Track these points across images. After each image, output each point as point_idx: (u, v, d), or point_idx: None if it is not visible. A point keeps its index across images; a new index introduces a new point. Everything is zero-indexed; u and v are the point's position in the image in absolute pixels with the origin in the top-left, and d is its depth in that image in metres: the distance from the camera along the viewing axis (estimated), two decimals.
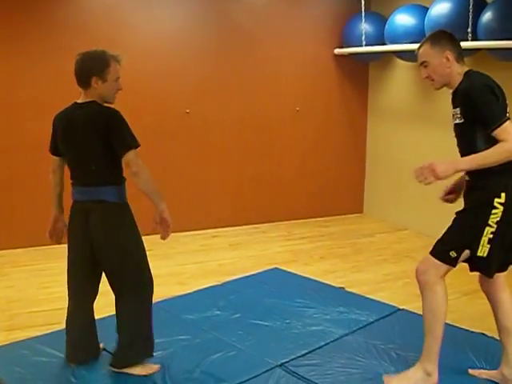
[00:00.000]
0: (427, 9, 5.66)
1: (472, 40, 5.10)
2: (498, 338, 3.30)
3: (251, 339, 3.85)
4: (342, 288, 4.84)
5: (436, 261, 3.06)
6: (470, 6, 5.07)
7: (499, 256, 3.01)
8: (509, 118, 2.86)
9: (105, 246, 3.26)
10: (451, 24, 5.08)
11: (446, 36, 3.08)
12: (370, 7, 6.88)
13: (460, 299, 4.52)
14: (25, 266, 5.43)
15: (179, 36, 6.30)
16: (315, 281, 4.99)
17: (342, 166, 7.29)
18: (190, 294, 4.68)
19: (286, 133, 6.93)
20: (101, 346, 3.61)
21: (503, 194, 2.91)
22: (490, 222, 2.93)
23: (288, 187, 7.03)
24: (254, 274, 5.15)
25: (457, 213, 3.10)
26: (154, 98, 6.15)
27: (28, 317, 4.33)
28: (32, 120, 5.77)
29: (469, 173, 3.07)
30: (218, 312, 4.31)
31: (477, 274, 3.17)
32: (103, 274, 3.39)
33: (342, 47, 6.90)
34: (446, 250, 3.03)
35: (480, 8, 5.09)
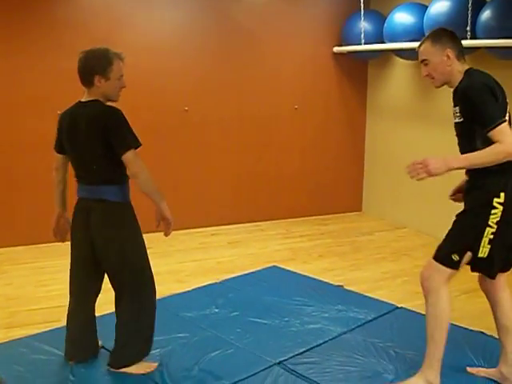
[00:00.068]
0: (426, 7, 5.66)
1: (471, 38, 5.09)
2: (496, 336, 3.31)
3: (249, 337, 3.86)
4: (341, 286, 4.84)
5: (439, 265, 3.04)
6: (469, 5, 5.06)
7: (500, 256, 3.01)
8: (506, 120, 2.85)
9: (104, 245, 3.26)
10: (450, 22, 5.08)
11: (446, 34, 3.07)
12: (369, 5, 6.88)
13: (459, 297, 4.53)
14: (24, 264, 5.43)
15: (179, 34, 6.30)
16: (314, 279, 4.99)
17: (341, 164, 7.29)
18: (188, 291, 4.68)
19: (284, 131, 6.93)
20: (99, 343, 3.61)
21: (502, 194, 2.91)
22: (490, 223, 2.92)
23: (287, 185, 7.04)
24: (252, 272, 5.16)
25: (456, 215, 3.09)
26: (152, 95, 6.15)
27: (27, 314, 4.33)
28: (32, 118, 5.77)
29: (468, 172, 3.06)
30: (217, 310, 4.31)
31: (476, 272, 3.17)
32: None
33: (341, 45, 6.89)
34: (447, 254, 3.02)
35: (479, 6, 5.09)
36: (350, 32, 6.67)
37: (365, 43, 6.43)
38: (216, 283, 4.87)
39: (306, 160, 7.09)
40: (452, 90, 3.07)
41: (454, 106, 3.02)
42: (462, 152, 3.02)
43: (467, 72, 3.02)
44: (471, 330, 3.91)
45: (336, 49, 6.92)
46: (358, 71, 7.18)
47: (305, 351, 3.67)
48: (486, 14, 5.00)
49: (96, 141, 3.15)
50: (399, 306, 4.37)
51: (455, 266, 3.01)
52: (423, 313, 4.18)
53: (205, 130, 6.52)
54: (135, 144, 3.16)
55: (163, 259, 5.42)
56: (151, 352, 3.46)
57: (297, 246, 6.11)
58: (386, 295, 4.65)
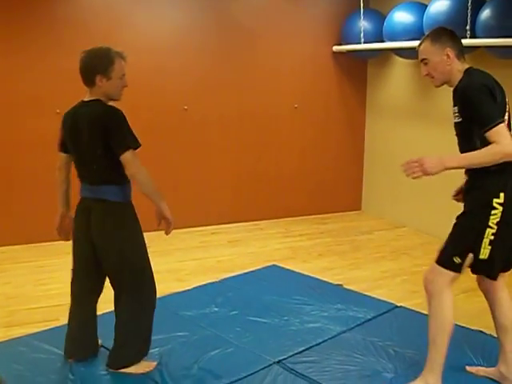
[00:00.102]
0: (426, 6, 5.66)
1: (470, 38, 5.09)
2: (495, 335, 3.31)
3: (249, 336, 3.86)
4: (340, 285, 4.84)
5: (442, 269, 3.02)
6: (469, 4, 5.06)
7: (501, 257, 3.00)
8: (504, 121, 2.84)
9: (104, 245, 3.26)
10: (450, 21, 5.08)
11: (446, 33, 3.05)
12: (368, 4, 6.88)
13: (458, 296, 4.51)
14: (23, 263, 5.43)
15: (178, 33, 6.29)
16: (313, 278, 4.99)
17: (341, 163, 7.29)
18: (188, 290, 4.68)
19: (284, 130, 6.93)
20: (99, 342, 3.61)
21: (502, 194, 2.89)
22: (490, 224, 2.91)
23: (286, 184, 7.04)
24: (252, 271, 5.16)
25: (456, 217, 3.07)
26: (152, 94, 6.14)
27: (26, 313, 4.33)
28: (32, 117, 5.77)
29: (467, 172, 3.06)
30: (216, 309, 4.31)
31: None
32: None
33: (340, 44, 6.89)
34: (449, 257, 3.00)
35: (478, 6, 5.09)
36: (350, 31, 6.67)
37: (364, 42, 6.43)
38: (216, 282, 4.87)
39: (306, 159, 7.09)
40: (452, 89, 3.06)
41: (454, 105, 3.01)
42: (462, 152, 3.01)
43: (467, 71, 3.00)
44: (470, 329, 3.91)
45: (336, 48, 6.92)
46: (358, 70, 7.18)
47: (304, 350, 3.67)
48: (485, 13, 5.01)
49: (96, 141, 3.15)
50: (398, 304, 4.38)
51: (457, 268, 3.00)
52: (422, 312, 4.20)
53: (204, 129, 6.52)
54: (134, 144, 3.15)
55: (163, 258, 5.42)
56: (150, 351, 3.47)
57: (296, 244, 6.11)
58: (385, 294, 4.65)
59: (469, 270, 3.11)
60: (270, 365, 3.47)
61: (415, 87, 6.46)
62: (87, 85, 3.23)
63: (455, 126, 3.04)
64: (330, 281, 4.93)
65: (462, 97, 2.93)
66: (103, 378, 3.35)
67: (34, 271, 5.22)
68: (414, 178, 2.86)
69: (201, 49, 6.36)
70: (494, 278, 3.08)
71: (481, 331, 3.85)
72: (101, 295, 3.51)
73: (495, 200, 2.89)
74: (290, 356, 3.58)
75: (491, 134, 2.80)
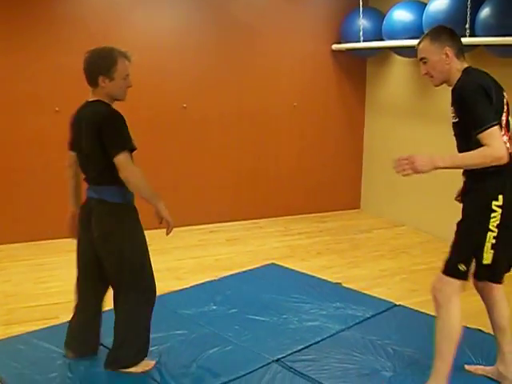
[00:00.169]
0: (425, 5, 5.66)
1: (470, 36, 5.09)
2: (493, 334, 3.31)
3: (248, 334, 3.86)
4: (339, 284, 4.85)
5: (448, 278, 3.00)
6: (468, 2, 5.06)
7: (504, 261, 2.98)
8: (497, 124, 2.80)
9: (104, 245, 3.26)
10: (449, 20, 5.07)
11: (446, 32, 3.03)
12: (367, 3, 6.87)
13: None
14: (22, 261, 5.42)
15: (177, 31, 6.29)
16: (312, 276, 5.00)
17: (340, 162, 7.29)
18: (187, 288, 4.69)
19: (283, 128, 6.93)
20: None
21: (500, 197, 2.87)
22: (490, 227, 2.88)
23: (285, 182, 7.04)
24: (250, 270, 5.16)
25: (457, 224, 3.03)
26: (151, 92, 6.14)
27: (25, 311, 4.33)
28: (31, 115, 5.77)
29: (464, 174, 3.03)
30: (215, 307, 4.32)
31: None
32: None
33: (339, 43, 6.89)
34: (454, 265, 2.98)
35: (478, 4, 5.08)
36: (349, 29, 6.67)
37: (364, 41, 6.43)
38: (214, 280, 4.88)
39: (305, 157, 7.09)
40: (451, 88, 3.05)
41: (451, 105, 2.97)
42: (459, 152, 2.99)
43: (465, 71, 2.97)
44: (469, 328, 3.89)
45: (335, 46, 6.92)
46: (357, 69, 7.17)
47: (303, 348, 3.67)
48: (484, 12, 5.00)
49: (93, 141, 3.14)
50: (397, 303, 4.38)
51: (463, 276, 2.97)
52: (421, 310, 4.22)
53: (203, 127, 6.52)
54: (126, 146, 3.11)
55: (162, 256, 5.42)
56: (149, 349, 3.45)
57: (295, 243, 6.12)
58: (384, 293, 4.66)
59: (477, 280, 3.11)
60: (269, 363, 3.48)
61: (414, 86, 6.46)
62: (90, 85, 3.21)
63: (453, 126, 3.02)
64: (329, 279, 4.94)
65: (457, 97, 2.90)
66: (102, 377, 3.35)
67: (33, 269, 5.22)
68: (403, 175, 2.84)
69: (200, 47, 6.36)
70: (499, 281, 3.05)
71: (479, 330, 3.85)
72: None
73: (494, 203, 2.87)
74: (289, 354, 3.58)
75: (483, 136, 2.77)
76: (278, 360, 3.51)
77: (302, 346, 3.69)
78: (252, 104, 6.69)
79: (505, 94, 3.02)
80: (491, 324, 3.25)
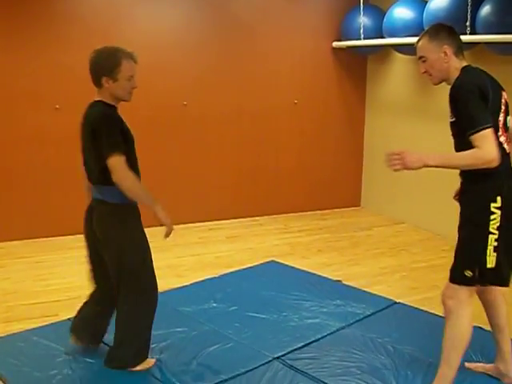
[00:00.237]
0: (426, 2, 5.65)
1: (470, 34, 5.09)
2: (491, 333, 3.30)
3: (248, 332, 3.86)
4: (339, 281, 4.85)
5: (456, 286, 2.96)
6: (469, 0, 5.05)
7: (506, 263, 2.92)
8: (490, 126, 2.76)
9: (104, 245, 3.26)
10: (450, 17, 5.07)
11: (444, 30, 3.00)
12: (368, 0, 6.87)
13: None
14: (22, 258, 5.42)
15: (177, 29, 6.28)
16: (312, 274, 4.99)
17: (340, 160, 7.29)
18: (187, 286, 4.69)
19: (283, 126, 6.92)
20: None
21: (499, 198, 2.84)
22: (491, 229, 2.84)
23: (286, 180, 7.04)
24: (251, 267, 5.16)
25: (458, 230, 3.00)
26: (151, 90, 6.12)
27: (25, 309, 4.33)
28: (31, 112, 5.76)
29: (461, 175, 3.00)
30: (215, 304, 4.32)
31: None
32: None
33: (340, 40, 6.88)
34: (460, 272, 2.93)
35: (479, 2, 5.08)
36: (350, 27, 6.66)
37: (364, 38, 6.42)
38: (214, 278, 4.87)
39: (305, 155, 7.09)
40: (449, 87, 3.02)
41: (449, 104, 2.93)
42: (456, 152, 2.95)
43: (463, 70, 2.93)
44: None
45: (335, 44, 6.91)
46: (358, 66, 7.17)
47: (303, 346, 3.67)
48: (485, 10, 5.00)
49: (90, 142, 3.14)
50: (397, 301, 4.38)
51: (471, 282, 2.93)
52: (421, 308, 4.22)
53: (204, 124, 6.52)
54: (117, 150, 3.06)
55: (162, 254, 5.40)
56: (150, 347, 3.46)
57: (295, 240, 6.11)
58: (384, 290, 4.66)
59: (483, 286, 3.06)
60: (270, 361, 3.48)
61: (415, 83, 6.45)
62: (95, 85, 3.19)
63: (450, 126, 2.97)
64: (329, 277, 4.93)
65: (453, 97, 2.87)
66: (102, 374, 3.35)
67: (32, 267, 5.22)
68: (394, 170, 2.84)
69: (200, 44, 6.35)
70: (506, 285, 2.99)
71: (480, 327, 3.84)
72: None
73: (493, 205, 2.84)
74: (289, 352, 3.58)
75: (475, 137, 2.75)
76: (278, 358, 3.51)
77: (303, 344, 3.69)
78: (252, 101, 6.69)
79: (504, 93, 2.98)
80: (489, 323, 3.25)
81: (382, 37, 6.29)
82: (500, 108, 2.92)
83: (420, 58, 3.03)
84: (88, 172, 3.30)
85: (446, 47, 2.93)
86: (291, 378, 3.31)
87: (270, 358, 3.50)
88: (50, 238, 5.87)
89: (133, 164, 3.24)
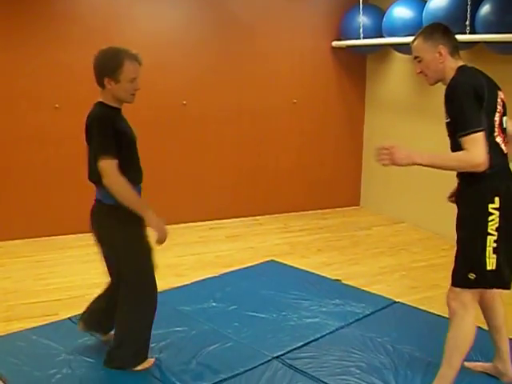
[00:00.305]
0: (425, 2, 5.65)
1: (470, 33, 5.08)
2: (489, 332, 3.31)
3: (247, 331, 3.86)
4: (339, 280, 4.85)
5: (459, 289, 2.95)
6: None
7: (506, 264, 2.90)
8: (482, 130, 2.73)
9: (103, 245, 3.28)
10: (449, 17, 5.07)
11: (439, 29, 2.98)
12: (367, 0, 6.87)
13: None
14: (22, 257, 5.42)
15: (177, 28, 6.28)
16: (312, 273, 5.00)
17: (339, 159, 7.29)
18: (187, 285, 4.69)
19: (283, 125, 6.92)
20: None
21: (497, 199, 2.82)
22: (489, 231, 2.82)
23: (285, 179, 7.04)
24: (250, 266, 5.16)
25: (456, 232, 2.98)
26: (150, 89, 6.10)
27: (25, 308, 4.33)
28: (30, 111, 5.76)
29: (458, 176, 2.98)
30: (215, 304, 4.32)
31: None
32: None
33: (339, 40, 6.88)
34: (464, 276, 2.91)
35: (478, 1, 5.07)
36: (349, 26, 6.66)
37: (363, 37, 6.42)
38: (214, 277, 4.88)
39: (305, 154, 7.09)
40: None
41: (444, 104, 2.92)
42: (452, 152, 2.92)
43: (459, 70, 2.91)
44: None
45: (335, 43, 6.91)
46: (357, 65, 7.17)
47: (302, 345, 3.68)
48: (485, 9, 4.99)
49: (88, 142, 3.15)
50: (397, 300, 4.38)
51: (474, 284, 2.91)
52: (421, 307, 4.22)
53: (203, 123, 6.52)
54: (108, 153, 3.03)
55: (162, 253, 5.33)
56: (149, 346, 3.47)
57: (295, 240, 6.12)
58: (383, 290, 4.66)
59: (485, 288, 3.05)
60: (269, 360, 3.48)
61: (414, 82, 6.45)
62: (98, 86, 3.18)
63: (446, 127, 2.95)
64: (329, 276, 4.94)
65: (447, 97, 2.86)
66: (101, 374, 3.36)
67: (33, 266, 5.22)
68: (382, 164, 2.83)
69: (200, 43, 6.35)
70: (508, 287, 2.97)
71: (478, 327, 3.84)
72: None
73: (491, 205, 2.82)
74: (289, 351, 3.59)
75: (465, 140, 2.74)
76: (277, 357, 3.52)
77: (302, 343, 3.70)
78: (252, 101, 6.69)
79: (500, 93, 2.96)
80: (487, 324, 3.25)
81: (382, 36, 6.29)
82: (496, 108, 2.90)
83: (415, 58, 3.02)
84: (90, 172, 3.30)
85: (441, 47, 2.92)
86: (290, 378, 3.31)
87: (270, 358, 3.50)
88: (51, 237, 5.88)
89: (134, 164, 3.24)
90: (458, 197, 3.05)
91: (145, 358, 3.39)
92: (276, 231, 6.42)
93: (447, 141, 3.01)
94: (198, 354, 3.54)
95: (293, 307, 4.27)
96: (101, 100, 3.19)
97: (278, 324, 4.00)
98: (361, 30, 6.41)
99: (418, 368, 3.38)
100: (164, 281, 4.55)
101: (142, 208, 3.10)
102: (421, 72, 3.02)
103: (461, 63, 2.95)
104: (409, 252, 5.69)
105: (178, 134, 6.40)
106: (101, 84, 3.15)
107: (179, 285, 4.68)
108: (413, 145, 6.15)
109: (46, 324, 3.97)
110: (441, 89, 2.99)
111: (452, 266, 3.01)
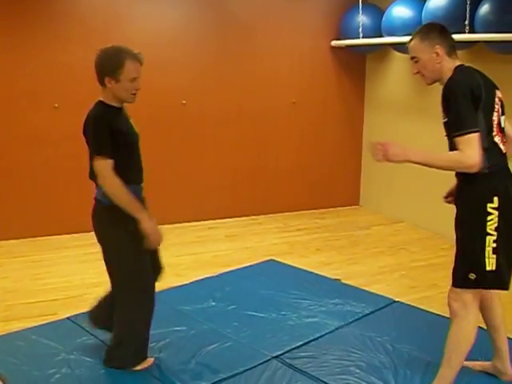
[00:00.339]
0: (424, 1, 5.65)
1: (469, 33, 5.08)
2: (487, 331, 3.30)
3: (246, 331, 3.86)
4: (338, 280, 4.85)
5: (460, 290, 2.93)
6: None
7: (506, 265, 2.88)
8: (477, 131, 2.72)
9: (101, 245, 3.27)
10: (448, 16, 5.07)
11: (436, 29, 2.97)
12: None
13: None
14: (20, 257, 5.41)
15: (177, 28, 6.27)
16: (311, 273, 4.99)
17: (339, 158, 7.28)
18: (185, 285, 4.68)
19: (282, 125, 6.92)
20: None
21: (496, 199, 2.80)
22: (488, 230, 2.80)
23: (284, 179, 7.03)
24: (249, 266, 5.16)
25: (455, 232, 2.97)
26: (150, 89, 6.08)
27: (24, 308, 4.33)
28: (30, 111, 5.76)
29: (457, 175, 2.97)
30: (214, 303, 4.31)
31: None
32: None
33: (339, 39, 6.88)
34: (464, 276, 2.89)
35: (477, 0, 5.07)
36: (348, 26, 6.65)
37: (363, 37, 6.42)
38: (213, 277, 4.87)
39: (304, 154, 7.09)
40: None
41: (441, 104, 2.91)
42: (450, 151, 2.91)
43: (456, 69, 2.90)
44: None
45: (334, 42, 6.91)
46: (356, 65, 7.16)
47: (302, 345, 3.67)
48: (484, 8, 4.99)
49: (86, 141, 3.15)
50: (396, 300, 4.38)
51: (475, 284, 2.89)
52: (420, 307, 4.22)
53: (202, 123, 6.51)
54: (102, 153, 3.02)
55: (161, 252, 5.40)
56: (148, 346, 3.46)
57: (294, 239, 6.11)
58: (383, 289, 4.66)
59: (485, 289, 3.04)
60: (268, 360, 3.47)
61: (414, 82, 6.45)
62: (100, 84, 3.16)
63: (444, 126, 2.94)
64: (328, 276, 4.93)
65: (444, 96, 2.85)
66: (101, 374, 3.35)
67: (31, 266, 5.21)
68: (376, 160, 2.82)
69: (199, 43, 6.35)
70: (507, 288, 2.95)
71: (478, 326, 3.84)
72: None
73: (489, 205, 2.80)
74: (288, 351, 3.58)
75: (460, 140, 2.73)
76: (277, 356, 3.51)
77: (301, 343, 3.69)
78: (251, 100, 6.68)
79: (498, 92, 2.94)
80: (485, 322, 3.24)
81: (381, 36, 6.28)
82: (494, 107, 2.88)
83: (412, 58, 3.02)
84: (90, 171, 3.30)
85: (438, 47, 2.91)
86: (290, 377, 3.31)
87: (269, 357, 3.50)
88: (48, 237, 5.87)
89: (135, 164, 3.23)
90: (456, 196, 3.04)
91: (144, 358, 3.38)
92: (275, 231, 6.42)
93: (446, 140, 3.00)
94: (198, 354, 3.54)
95: (292, 307, 4.26)
96: (101, 99, 3.18)
97: (277, 323, 3.99)
98: (360, 30, 6.41)
99: (418, 367, 3.38)
100: (163, 280, 4.54)
101: (136, 209, 3.07)
102: (418, 72, 3.02)
103: (458, 63, 2.94)
104: (408, 251, 5.69)
105: (178, 133, 6.40)
106: (102, 83, 3.14)
107: (178, 284, 4.67)
108: (412, 144, 6.16)
109: (45, 324, 3.96)
110: (440, 88, 2.98)
111: (451, 265, 3.00)
